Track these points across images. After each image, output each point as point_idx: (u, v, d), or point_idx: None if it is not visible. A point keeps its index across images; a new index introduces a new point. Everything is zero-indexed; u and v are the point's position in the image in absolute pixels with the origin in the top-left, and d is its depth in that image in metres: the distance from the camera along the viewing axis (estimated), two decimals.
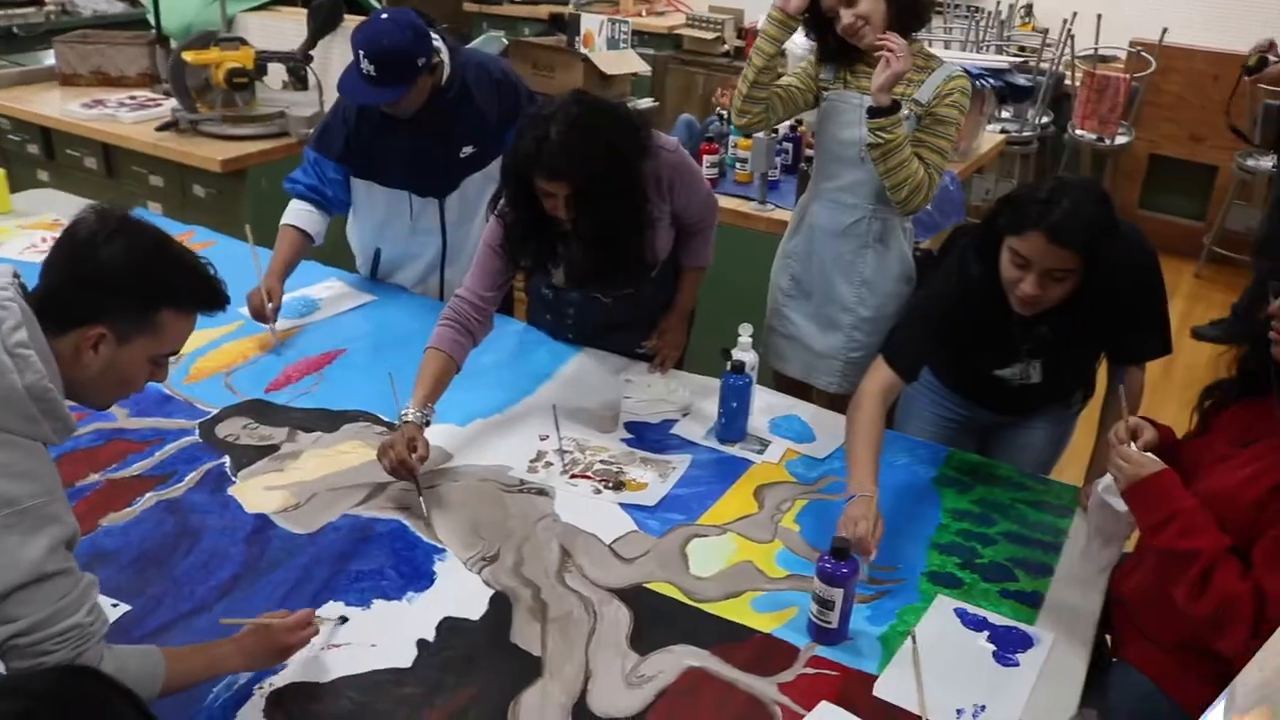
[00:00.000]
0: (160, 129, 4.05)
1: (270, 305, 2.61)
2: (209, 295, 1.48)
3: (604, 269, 2.22)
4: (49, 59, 4.82)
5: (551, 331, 2.68)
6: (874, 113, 2.33)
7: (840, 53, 2.46)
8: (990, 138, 4.34)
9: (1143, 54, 5.78)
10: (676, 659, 1.72)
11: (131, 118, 4.18)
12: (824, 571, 1.74)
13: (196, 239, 3.33)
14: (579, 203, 2.08)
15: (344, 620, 1.77)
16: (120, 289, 1.39)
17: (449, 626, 1.78)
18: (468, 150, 2.76)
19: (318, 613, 1.73)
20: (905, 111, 2.36)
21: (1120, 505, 1.82)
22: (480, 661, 1.71)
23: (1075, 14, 5.82)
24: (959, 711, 1.65)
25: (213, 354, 2.60)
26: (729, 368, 2.26)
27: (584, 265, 2.23)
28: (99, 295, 1.38)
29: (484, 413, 2.38)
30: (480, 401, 2.39)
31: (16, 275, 1.40)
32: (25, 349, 1.32)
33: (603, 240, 2.15)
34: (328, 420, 2.36)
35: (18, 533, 1.28)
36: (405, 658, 1.71)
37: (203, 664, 1.56)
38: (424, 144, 2.70)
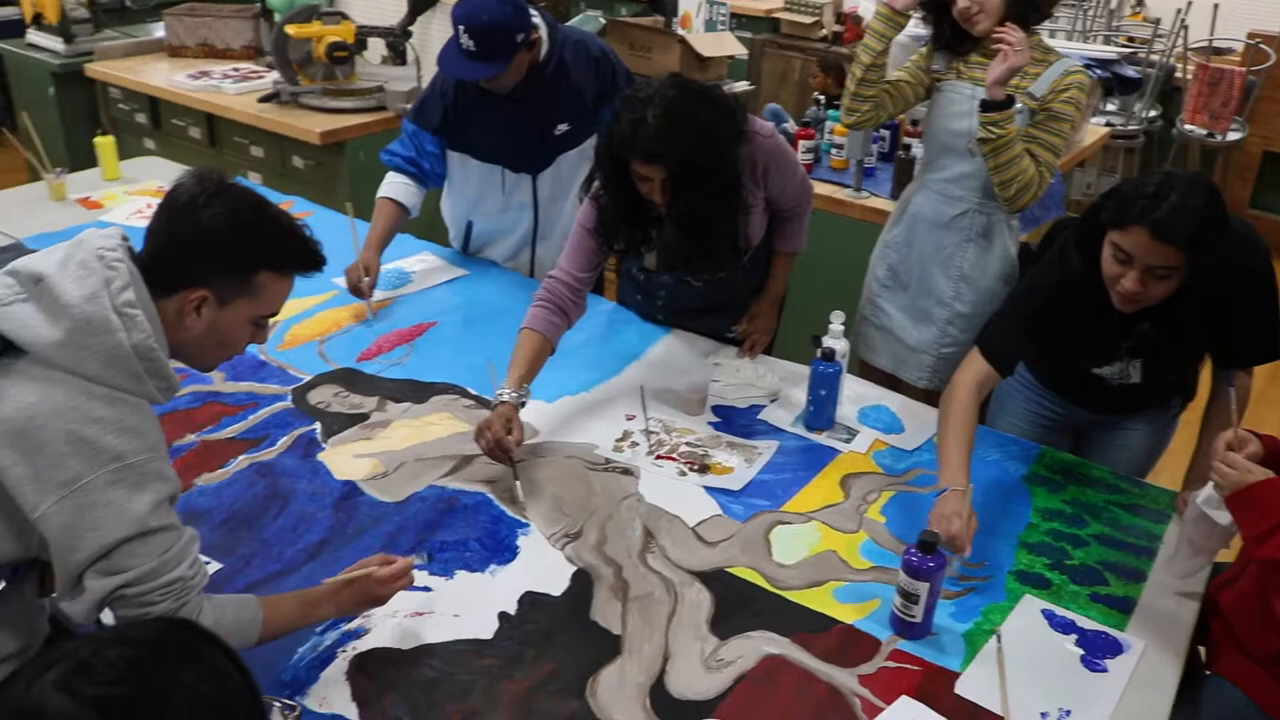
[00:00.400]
0: (262, 100, 4.13)
1: (367, 280, 2.65)
2: (306, 257, 1.51)
3: (697, 253, 2.21)
4: (158, 31, 4.95)
5: (641, 312, 2.68)
6: (987, 107, 2.29)
7: (954, 41, 2.41)
8: (1094, 130, 4.24)
9: (1261, 46, 5.58)
10: (756, 645, 1.72)
11: (235, 89, 4.27)
12: (910, 565, 1.72)
13: (295, 209, 3.38)
14: (674, 187, 2.07)
15: (431, 558, 1.80)
16: (219, 251, 1.42)
17: (530, 601, 1.79)
18: (563, 128, 2.76)
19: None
20: (1019, 106, 2.31)
21: (1221, 518, 1.77)
22: (560, 637, 1.72)
23: (1190, 3, 5.64)
24: (1043, 715, 1.62)
25: (307, 322, 2.65)
26: (819, 355, 2.24)
27: (677, 249, 2.22)
28: (200, 258, 1.42)
29: (572, 391, 2.39)
30: (569, 380, 2.41)
31: (125, 238, 1.44)
32: (133, 309, 1.36)
33: (697, 225, 2.14)
34: (417, 391, 2.38)
35: (124, 487, 1.32)
36: (487, 629, 1.73)
37: (297, 610, 1.59)
38: (520, 120, 2.71)
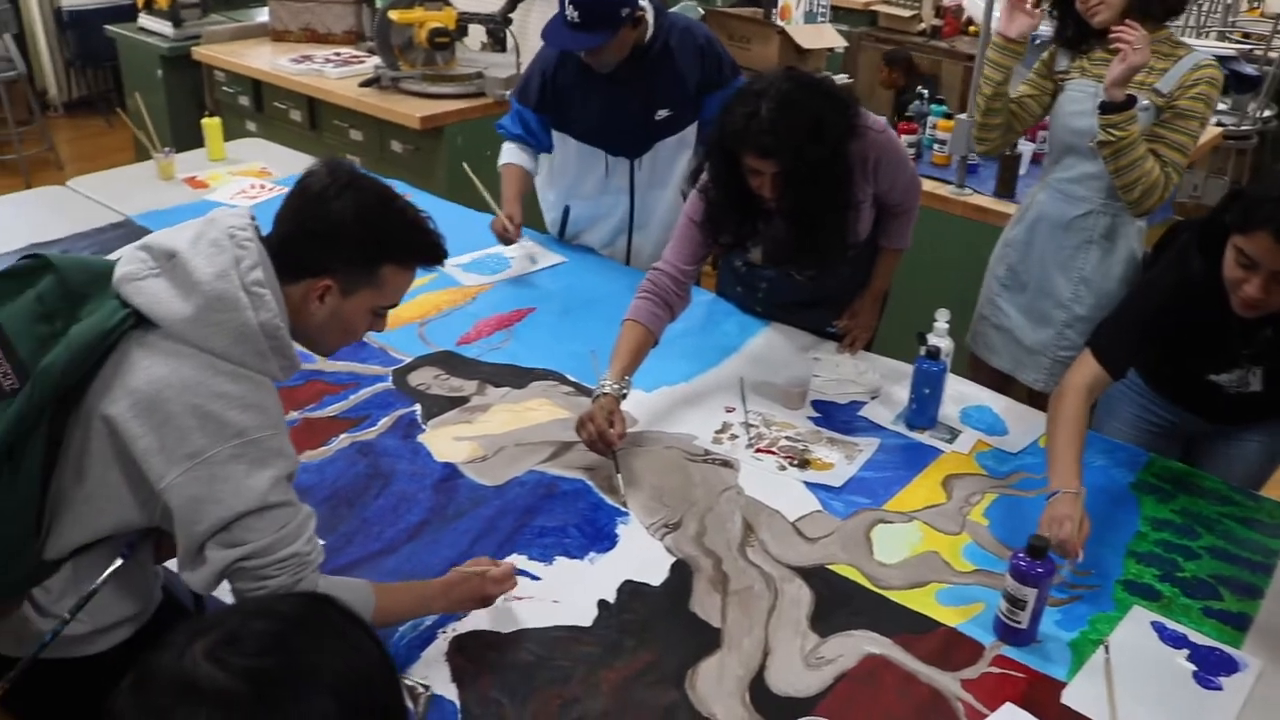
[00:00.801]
0: (363, 85, 4.18)
1: (514, 224, 2.77)
2: (430, 250, 1.52)
3: (805, 248, 2.19)
4: (263, 16, 5.05)
5: (740, 304, 2.67)
6: (1106, 109, 2.23)
7: (1077, 38, 2.37)
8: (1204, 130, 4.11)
9: None
10: (857, 644, 1.70)
11: (336, 73, 4.34)
12: (1018, 569, 1.69)
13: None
14: (785, 181, 2.05)
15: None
16: (347, 244, 1.44)
17: (630, 590, 1.79)
18: (664, 113, 2.76)
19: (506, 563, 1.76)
20: (1144, 103, 2.25)
21: None
22: (659, 627, 1.72)
23: None
24: None
25: (408, 304, 2.67)
26: (923, 353, 2.20)
27: (785, 244, 2.21)
28: (327, 248, 1.44)
29: (671, 381, 2.38)
30: (668, 370, 2.40)
31: (253, 218, 1.46)
32: (261, 288, 1.38)
33: (806, 220, 2.12)
34: (516, 376, 2.40)
35: (245, 462, 1.35)
36: (585, 616, 1.73)
37: (409, 602, 1.61)
38: (620, 101, 2.72)
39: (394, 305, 1.55)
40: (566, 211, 3.02)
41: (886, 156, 2.23)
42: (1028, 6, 2.41)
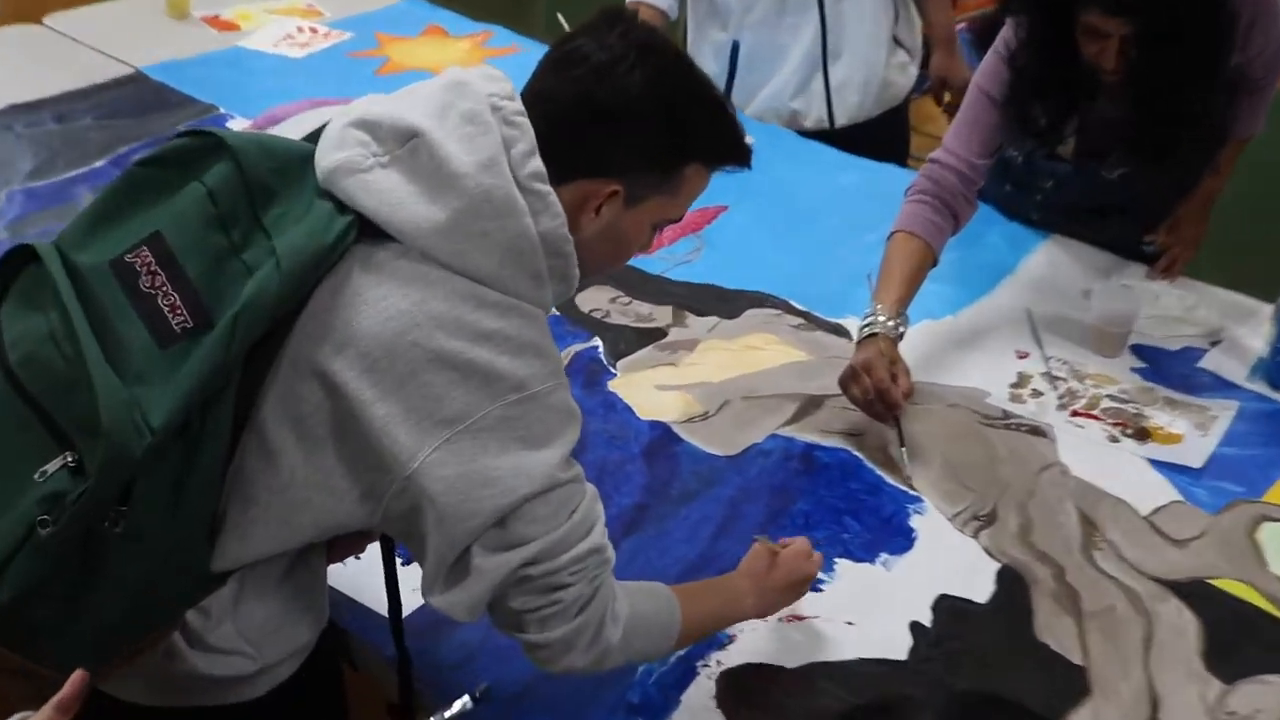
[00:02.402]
0: None
1: None
2: (740, 147, 1.35)
3: (1152, 141, 2.01)
4: None
5: (1008, 207, 2.49)
6: None
7: None
8: None
9: None
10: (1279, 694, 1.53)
11: None
12: None
13: (495, 41, 3.29)
14: (1139, 47, 1.87)
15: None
16: (652, 134, 1.26)
17: (949, 609, 1.65)
18: None
19: None
20: None
21: None
22: (998, 663, 1.57)
23: None
24: None
25: None
26: None
27: (1120, 134, 2.04)
28: (621, 140, 1.26)
29: (935, 313, 2.22)
30: (926, 299, 2.17)
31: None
32: (543, 182, 1.20)
33: (1160, 100, 1.95)
34: (722, 301, 2.29)
35: (524, 426, 1.19)
36: (897, 646, 1.59)
37: (717, 606, 1.50)
38: None
39: (680, 219, 1.39)
40: (735, 52, 2.84)
41: (1261, 14, 2.04)
42: None
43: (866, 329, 1.91)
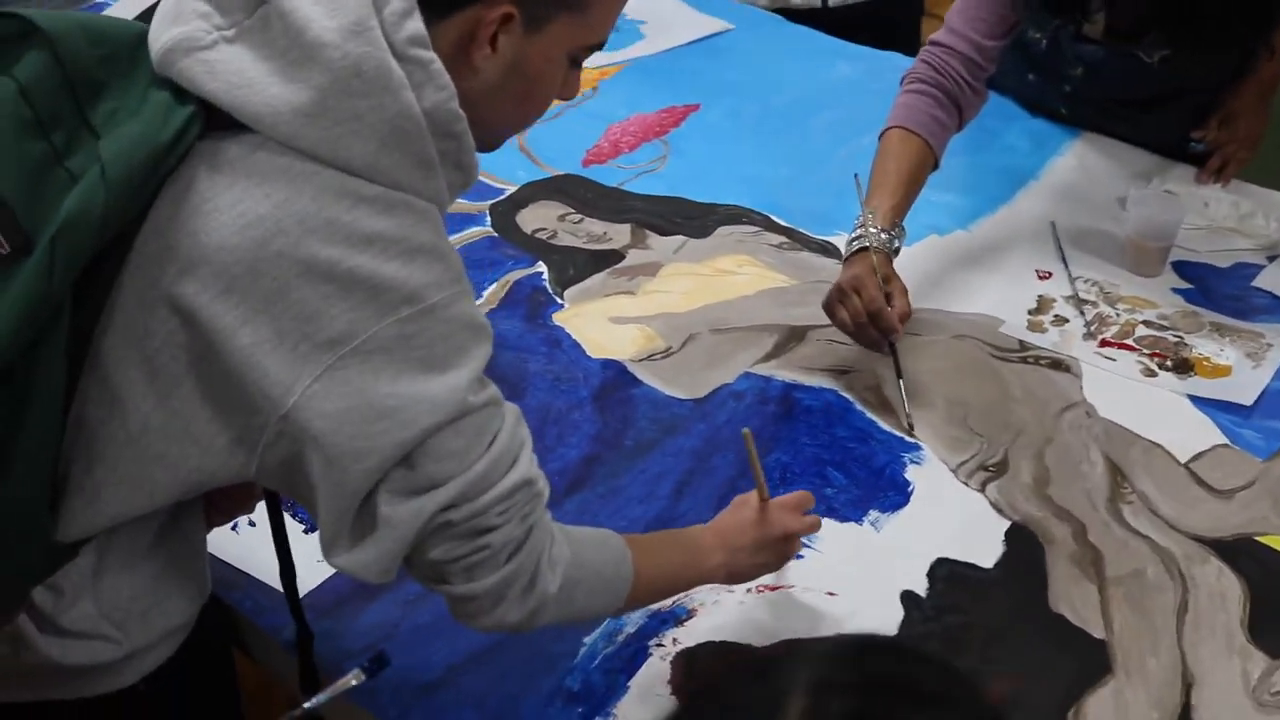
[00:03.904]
0: None
1: None
2: None
3: (1185, 8, 2.02)
4: None
5: (1031, 99, 2.51)
6: None
7: None
8: None
9: None
10: None
11: None
12: None
13: None
14: None
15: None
16: None
17: (948, 575, 1.67)
18: None
19: None
20: None
21: None
22: (1007, 638, 1.60)
23: None
24: None
25: None
26: None
27: (1164, 4, 2.04)
28: None
29: (941, 228, 2.26)
30: (933, 209, 2.23)
31: None
32: (424, 48, 1.19)
33: None
34: (690, 217, 2.31)
35: (423, 344, 1.20)
36: (886, 618, 1.62)
37: (678, 563, 1.51)
38: None
39: (601, 44, 1.38)
40: None
41: None
42: None
43: (856, 242, 1.92)
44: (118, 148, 1.14)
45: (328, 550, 1.24)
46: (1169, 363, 1.97)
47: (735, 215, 2.29)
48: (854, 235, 1.94)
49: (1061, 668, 1.56)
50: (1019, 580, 1.66)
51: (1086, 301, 2.08)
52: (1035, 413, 1.89)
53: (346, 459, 1.18)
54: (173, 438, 1.20)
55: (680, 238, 2.24)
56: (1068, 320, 2.05)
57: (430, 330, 1.20)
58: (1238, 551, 1.70)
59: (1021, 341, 2.02)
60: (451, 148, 1.23)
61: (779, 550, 1.55)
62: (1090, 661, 1.57)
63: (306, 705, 1.42)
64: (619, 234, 2.24)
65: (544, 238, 2.23)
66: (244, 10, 1.19)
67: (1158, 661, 1.56)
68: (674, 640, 1.58)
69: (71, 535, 1.23)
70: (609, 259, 2.18)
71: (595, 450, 1.82)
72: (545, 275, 2.15)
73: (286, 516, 1.47)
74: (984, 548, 1.70)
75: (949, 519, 1.74)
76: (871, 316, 1.85)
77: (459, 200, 2.09)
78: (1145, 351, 1.99)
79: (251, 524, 1.59)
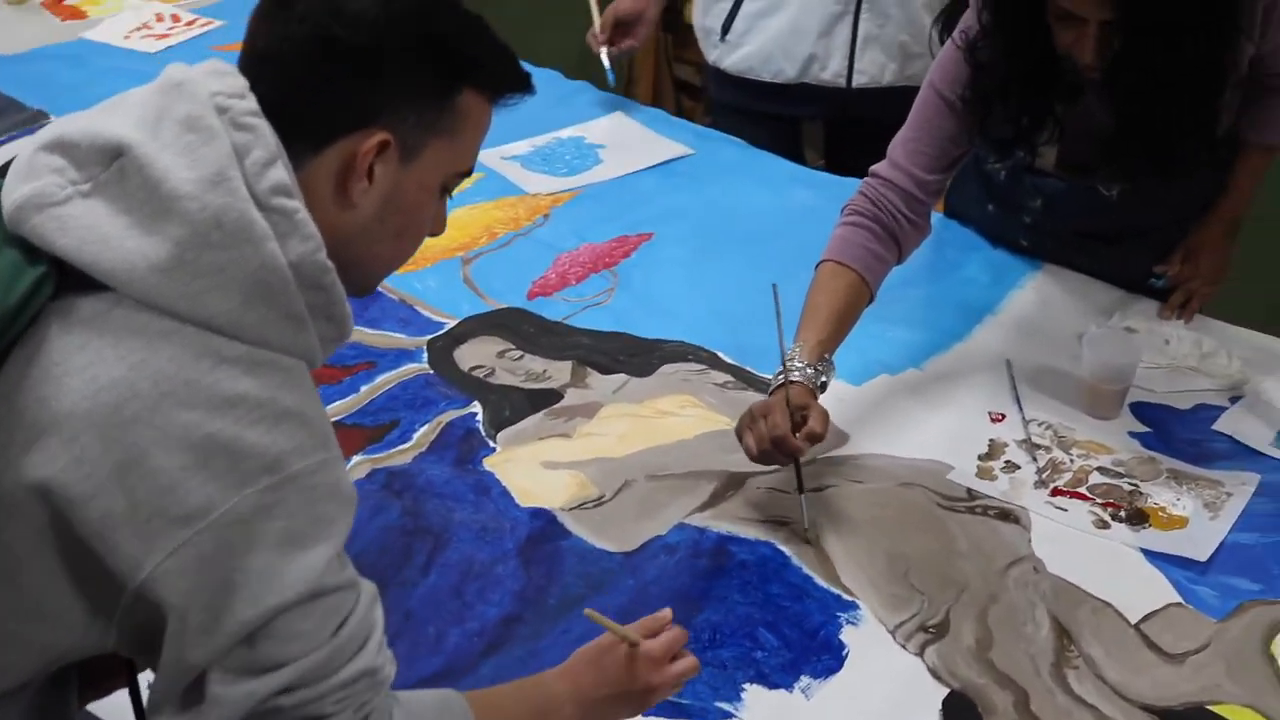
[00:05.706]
0: None
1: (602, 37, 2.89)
2: (514, 68, 1.37)
3: (1143, 148, 2.01)
4: None
5: (993, 233, 2.51)
6: None
7: None
8: None
9: None
10: None
11: None
12: None
13: None
14: (1124, 34, 1.88)
15: None
16: (407, 64, 1.27)
17: None
18: None
19: None
20: None
21: None
22: None
23: None
24: None
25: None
26: None
27: (1110, 142, 2.05)
28: (374, 80, 1.26)
29: (893, 366, 2.25)
30: (884, 346, 2.25)
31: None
32: (289, 198, 1.18)
33: (1152, 100, 1.95)
34: (635, 354, 2.29)
35: (283, 518, 1.17)
36: None
37: (525, 713, 1.46)
38: None
39: (469, 172, 1.40)
40: (737, 5, 2.82)
41: None
42: None
43: (780, 376, 1.92)
44: None
45: (153, 711, 1.22)
46: (1123, 513, 1.95)
47: (680, 352, 2.29)
48: (779, 370, 1.94)
49: None
50: None
51: (1040, 446, 2.06)
52: (980, 568, 1.86)
53: (192, 633, 1.15)
54: (23, 618, 1.18)
55: (622, 376, 2.24)
56: (1019, 467, 2.03)
57: (292, 500, 1.18)
58: None
59: (970, 490, 1.99)
60: (321, 300, 1.22)
61: (640, 701, 1.51)
62: None
63: None
64: (559, 372, 2.24)
65: (481, 375, 2.22)
66: (100, 164, 1.18)
67: None
68: None
69: None
70: (547, 399, 2.18)
71: (516, 609, 1.78)
72: (479, 417, 2.13)
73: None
74: (920, 718, 1.65)
75: (884, 686, 1.69)
76: (774, 443, 1.84)
77: (397, 335, 2.12)
78: (1099, 500, 1.97)
79: None
